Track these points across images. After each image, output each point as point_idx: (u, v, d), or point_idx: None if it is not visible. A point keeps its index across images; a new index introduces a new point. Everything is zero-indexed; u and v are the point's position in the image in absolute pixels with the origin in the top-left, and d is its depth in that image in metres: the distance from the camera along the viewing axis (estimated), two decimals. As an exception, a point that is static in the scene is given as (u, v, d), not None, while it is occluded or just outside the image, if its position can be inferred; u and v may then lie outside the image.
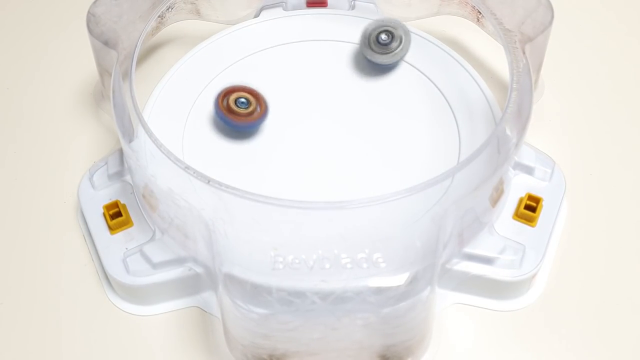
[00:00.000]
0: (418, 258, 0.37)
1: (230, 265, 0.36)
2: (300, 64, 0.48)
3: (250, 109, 0.43)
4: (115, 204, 0.42)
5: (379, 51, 0.46)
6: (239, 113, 0.43)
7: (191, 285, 0.41)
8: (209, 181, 0.37)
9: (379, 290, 0.36)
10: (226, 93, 0.43)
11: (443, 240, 0.37)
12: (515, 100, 0.40)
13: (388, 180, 0.43)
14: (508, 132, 0.41)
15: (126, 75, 0.42)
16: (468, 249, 0.40)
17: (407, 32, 0.46)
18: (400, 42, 0.45)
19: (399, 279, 0.36)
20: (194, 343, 0.40)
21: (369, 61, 0.46)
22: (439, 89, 0.46)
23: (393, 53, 0.46)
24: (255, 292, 0.36)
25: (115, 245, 0.41)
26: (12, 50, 0.52)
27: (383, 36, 0.45)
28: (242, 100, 0.43)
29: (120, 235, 0.41)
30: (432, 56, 0.48)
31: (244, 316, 0.36)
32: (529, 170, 0.43)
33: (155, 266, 0.40)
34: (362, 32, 0.46)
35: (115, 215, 0.42)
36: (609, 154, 0.47)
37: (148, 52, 0.50)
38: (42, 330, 0.41)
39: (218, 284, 0.37)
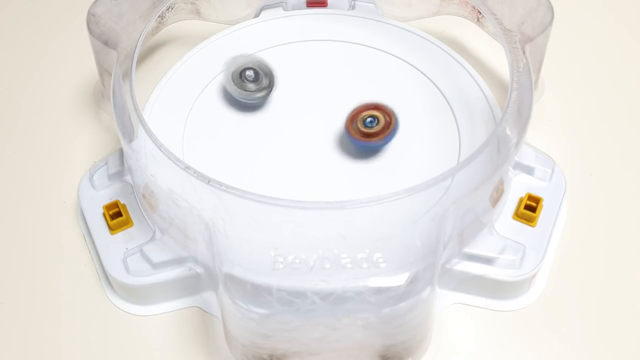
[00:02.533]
0: (418, 258, 0.37)
1: (230, 265, 0.36)
2: (300, 64, 0.48)
3: (381, 126, 0.42)
4: (115, 204, 0.42)
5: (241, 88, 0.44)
6: (369, 133, 0.42)
7: (191, 285, 0.41)
8: (209, 181, 0.37)
9: (379, 290, 0.36)
10: (354, 116, 0.43)
11: (443, 240, 0.37)
12: (515, 100, 0.40)
13: (388, 180, 0.43)
14: (508, 132, 0.41)
15: (126, 75, 0.42)
16: (468, 249, 0.40)
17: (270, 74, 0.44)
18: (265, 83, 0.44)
19: (399, 279, 0.36)
20: (194, 343, 0.40)
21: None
22: (439, 89, 0.46)
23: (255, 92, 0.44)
24: (256, 292, 0.36)
25: (115, 245, 0.41)
26: (12, 50, 0.52)
27: (248, 72, 0.44)
28: (370, 119, 0.42)
29: (120, 235, 0.41)
30: (432, 56, 0.48)
31: (244, 316, 0.36)
32: (529, 170, 0.43)
33: (155, 266, 0.40)
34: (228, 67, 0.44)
35: (115, 215, 0.42)
36: (609, 154, 0.47)
37: (148, 52, 0.50)
38: (42, 330, 0.41)
39: (218, 284, 0.37)
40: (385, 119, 0.42)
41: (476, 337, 0.41)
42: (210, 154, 0.44)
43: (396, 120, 0.42)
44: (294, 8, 0.51)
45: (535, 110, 0.41)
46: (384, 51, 0.48)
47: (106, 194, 0.43)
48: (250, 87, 0.44)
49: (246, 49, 0.48)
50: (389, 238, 0.37)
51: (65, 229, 0.44)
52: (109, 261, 0.41)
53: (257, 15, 0.50)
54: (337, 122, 0.45)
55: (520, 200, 0.42)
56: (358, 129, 0.42)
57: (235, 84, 0.44)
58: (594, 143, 0.47)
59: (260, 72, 0.44)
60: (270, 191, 0.37)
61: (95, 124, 0.48)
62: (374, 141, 0.42)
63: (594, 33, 0.53)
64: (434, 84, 0.46)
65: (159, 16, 0.47)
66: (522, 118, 0.40)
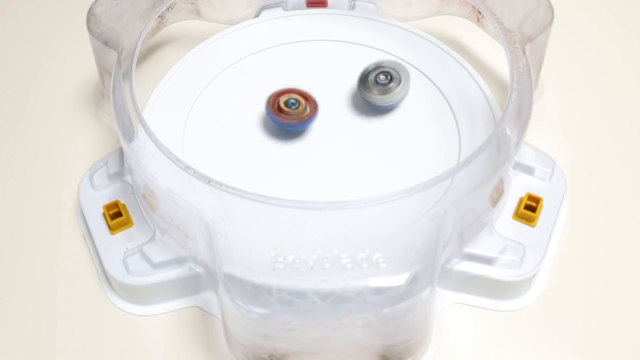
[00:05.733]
0: (418, 258, 0.37)
1: (230, 265, 0.36)
2: (300, 64, 0.48)
3: (300, 109, 0.43)
4: (115, 204, 0.42)
5: (377, 92, 0.44)
6: (289, 113, 0.43)
7: (191, 285, 0.41)
8: (209, 181, 0.37)
9: (379, 290, 0.36)
10: (277, 95, 0.44)
11: (443, 240, 0.37)
12: (515, 100, 0.40)
13: (388, 180, 0.43)
14: (508, 132, 0.41)
15: (126, 75, 0.42)
16: (468, 249, 0.40)
17: (406, 74, 0.45)
18: (399, 82, 0.44)
19: (399, 279, 0.36)
20: (194, 343, 0.40)
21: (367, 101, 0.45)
22: (439, 89, 0.46)
23: (392, 94, 0.44)
24: (256, 292, 0.36)
25: (115, 245, 0.41)
26: (12, 50, 0.52)
27: (381, 77, 0.44)
28: (292, 101, 0.43)
29: (120, 235, 0.41)
30: (432, 56, 0.48)
31: (244, 316, 0.36)
32: (529, 170, 0.43)
33: (155, 266, 0.40)
34: (360, 73, 0.45)
35: (115, 215, 0.42)
36: (609, 154, 0.47)
37: (148, 52, 0.50)
38: (42, 330, 0.41)
39: (218, 284, 0.37)
40: (305, 104, 0.43)
41: (476, 337, 0.41)
42: (210, 154, 0.44)
43: (316, 108, 0.44)
44: (294, 8, 0.51)
45: (535, 110, 0.41)
46: (384, 51, 0.48)
47: (106, 194, 0.43)
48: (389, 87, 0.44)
49: (246, 49, 0.48)
50: (389, 238, 0.37)
51: (65, 229, 0.44)
52: (109, 261, 0.41)
53: (257, 15, 0.50)
54: (337, 121, 0.45)
55: (520, 200, 0.42)
56: (279, 107, 0.43)
57: (370, 89, 0.44)
58: (594, 143, 0.47)
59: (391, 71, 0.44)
60: (270, 191, 0.37)
61: (95, 124, 0.48)
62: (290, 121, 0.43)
63: (594, 33, 0.53)
64: (434, 84, 0.46)
65: (159, 16, 0.47)
66: (522, 118, 0.40)
